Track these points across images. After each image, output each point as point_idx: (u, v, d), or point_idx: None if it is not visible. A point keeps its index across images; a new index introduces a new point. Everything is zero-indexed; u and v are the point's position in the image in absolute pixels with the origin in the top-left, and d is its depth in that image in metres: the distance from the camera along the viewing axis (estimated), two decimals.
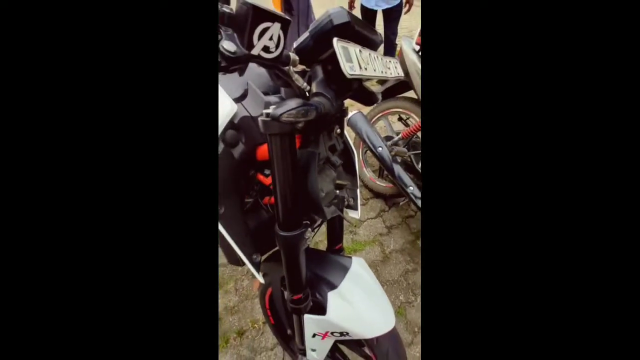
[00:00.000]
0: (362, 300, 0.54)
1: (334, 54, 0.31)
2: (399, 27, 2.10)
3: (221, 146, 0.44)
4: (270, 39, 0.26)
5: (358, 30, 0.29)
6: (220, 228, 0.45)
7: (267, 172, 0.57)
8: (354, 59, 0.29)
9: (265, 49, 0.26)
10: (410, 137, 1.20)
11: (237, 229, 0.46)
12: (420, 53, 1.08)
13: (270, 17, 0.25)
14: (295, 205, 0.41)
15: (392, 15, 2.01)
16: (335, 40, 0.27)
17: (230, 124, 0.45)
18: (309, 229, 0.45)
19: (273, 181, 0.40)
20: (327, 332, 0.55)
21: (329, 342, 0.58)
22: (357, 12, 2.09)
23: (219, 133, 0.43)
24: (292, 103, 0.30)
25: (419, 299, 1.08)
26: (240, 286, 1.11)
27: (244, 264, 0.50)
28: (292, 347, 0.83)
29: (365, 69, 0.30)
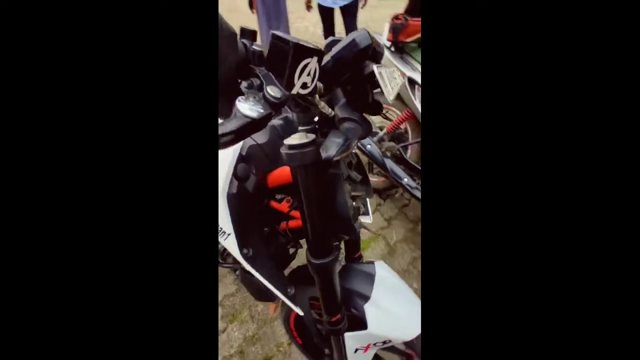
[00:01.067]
0: (396, 304, 0.54)
1: (353, 76, 0.30)
2: (358, 22, 2.14)
3: (235, 183, 0.42)
4: (308, 74, 0.24)
5: (376, 50, 0.29)
6: (251, 269, 0.42)
7: (278, 197, 0.55)
8: (387, 82, 0.28)
9: (304, 85, 0.24)
10: (394, 131, 1.23)
11: (266, 267, 0.44)
12: (392, 48, 1.11)
13: (309, 52, 0.23)
14: (327, 232, 0.40)
15: (350, 11, 2.04)
16: (375, 67, 0.27)
17: (240, 157, 0.43)
18: (341, 253, 0.44)
19: (301, 211, 0.39)
20: (369, 345, 0.55)
21: (371, 354, 0.57)
22: (315, 12, 2.10)
23: (232, 170, 0.40)
24: (336, 140, 0.29)
25: None
26: (256, 312, 1.06)
27: (277, 299, 0.48)
28: None
29: (393, 87, 0.30)
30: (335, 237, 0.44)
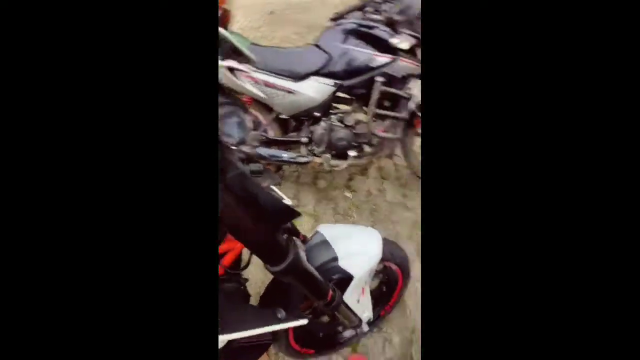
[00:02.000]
0: (356, 242, 0.61)
1: None
2: None
3: None
4: None
5: None
6: (230, 336, 0.32)
7: None
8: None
9: None
10: None
11: (241, 323, 0.36)
12: None
13: None
14: (271, 231, 0.36)
15: None
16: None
17: None
18: (298, 239, 0.42)
19: (234, 232, 0.32)
20: (363, 288, 0.60)
21: (368, 292, 0.63)
22: None
23: None
24: (231, 120, 0.23)
25: (354, 216, 1.32)
26: None
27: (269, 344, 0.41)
28: (341, 340, 0.82)
29: None
30: (281, 231, 0.41)
